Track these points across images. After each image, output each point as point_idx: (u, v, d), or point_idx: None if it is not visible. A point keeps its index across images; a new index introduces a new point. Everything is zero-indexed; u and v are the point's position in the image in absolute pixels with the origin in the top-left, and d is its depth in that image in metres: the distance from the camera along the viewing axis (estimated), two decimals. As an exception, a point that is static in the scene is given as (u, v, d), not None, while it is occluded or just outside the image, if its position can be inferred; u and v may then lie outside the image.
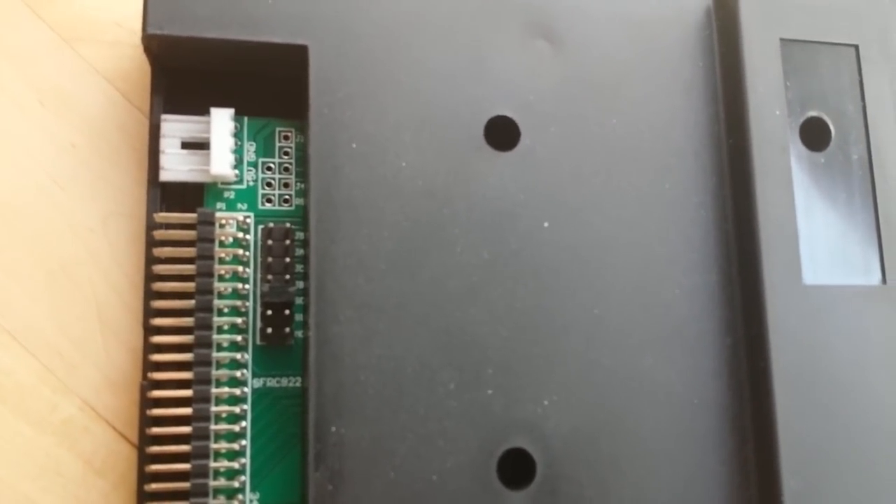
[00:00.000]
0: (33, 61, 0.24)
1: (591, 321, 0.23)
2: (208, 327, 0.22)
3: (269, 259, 0.23)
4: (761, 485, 0.23)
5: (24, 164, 0.24)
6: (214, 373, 0.22)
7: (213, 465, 0.22)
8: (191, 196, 0.23)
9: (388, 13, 0.23)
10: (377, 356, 0.22)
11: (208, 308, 0.22)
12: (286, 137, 0.24)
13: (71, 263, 0.23)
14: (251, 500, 0.22)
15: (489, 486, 0.21)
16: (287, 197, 0.24)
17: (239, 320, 0.22)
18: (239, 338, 0.22)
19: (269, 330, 0.22)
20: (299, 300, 0.23)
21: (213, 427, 0.22)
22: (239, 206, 0.23)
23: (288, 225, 0.23)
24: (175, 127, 0.23)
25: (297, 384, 0.23)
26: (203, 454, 0.21)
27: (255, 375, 0.23)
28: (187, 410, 0.22)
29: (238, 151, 0.24)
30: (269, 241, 0.23)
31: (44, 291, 0.23)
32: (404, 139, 0.23)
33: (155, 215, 0.22)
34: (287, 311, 0.23)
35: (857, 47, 0.26)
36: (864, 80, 0.26)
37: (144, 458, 0.22)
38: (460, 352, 0.22)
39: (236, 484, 0.22)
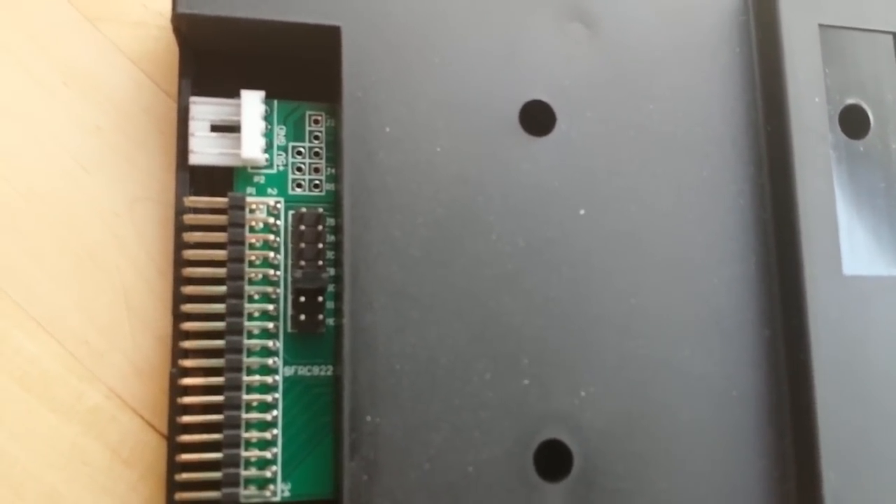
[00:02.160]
0: (57, 41, 0.24)
1: (627, 311, 0.23)
2: (239, 314, 0.21)
3: (302, 245, 0.22)
4: (800, 478, 0.22)
5: (49, 147, 0.23)
6: (245, 360, 0.22)
7: (244, 454, 0.21)
8: (219, 181, 0.23)
9: (422, -5, 0.23)
10: (412, 345, 0.21)
11: (240, 294, 0.22)
12: (316, 121, 0.24)
13: (97, 249, 0.23)
14: (282, 490, 0.22)
15: (525, 477, 0.21)
16: (317, 182, 0.23)
17: (270, 307, 0.22)
18: (270, 325, 0.22)
19: (302, 317, 0.22)
20: (332, 288, 0.23)
21: (244, 416, 0.21)
22: (269, 190, 0.23)
23: (320, 210, 0.23)
24: (204, 109, 0.23)
25: (329, 373, 0.22)
26: (235, 443, 0.21)
27: (286, 363, 0.22)
28: (218, 398, 0.21)
29: (268, 135, 0.23)
30: (301, 227, 0.22)
31: (70, 278, 0.23)
32: (438, 124, 0.22)
33: (185, 199, 0.22)
34: (320, 298, 0.22)
35: (895, 35, 0.25)
36: (903, 68, 0.25)
37: (174, 448, 0.21)
38: (495, 341, 0.22)
39: (268, 474, 0.21)
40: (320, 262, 0.22)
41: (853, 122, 0.24)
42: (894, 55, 0.25)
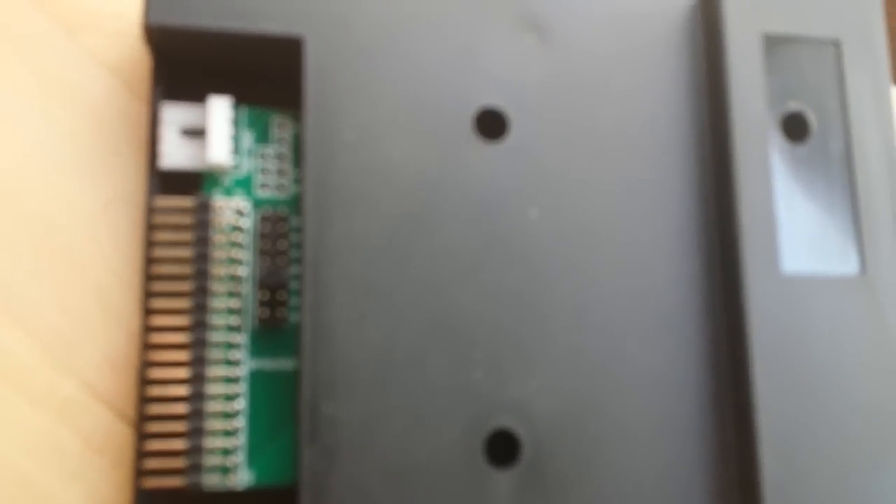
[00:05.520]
0: (35, 51, 0.25)
1: (577, 307, 0.24)
2: (205, 309, 0.23)
3: (266, 243, 0.23)
4: (741, 465, 0.23)
5: (27, 151, 0.24)
6: (211, 353, 0.23)
7: (208, 443, 0.22)
8: (189, 183, 0.24)
9: (381, 6, 0.24)
10: (369, 338, 0.22)
11: (205, 291, 0.23)
12: (283, 127, 0.25)
13: (73, 248, 0.24)
14: (246, 478, 0.23)
15: (476, 464, 0.22)
16: (283, 184, 0.24)
17: (235, 304, 0.23)
18: (235, 320, 0.23)
19: (266, 313, 0.23)
20: (295, 285, 0.24)
21: (208, 407, 0.22)
22: (236, 192, 0.24)
23: (284, 211, 0.24)
24: (174, 114, 0.24)
25: (293, 367, 0.24)
26: (199, 432, 0.22)
27: (250, 357, 0.23)
28: (184, 390, 0.22)
29: (235, 139, 0.24)
30: (266, 226, 0.23)
31: (46, 275, 0.24)
32: (396, 129, 0.24)
33: (154, 199, 0.23)
34: (282, 295, 0.23)
35: (838, 42, 0.27)
36: (846, 75, 0.26)
37: (142, 437, 0.22)
38: (450, 335, 0.23)
39: (231, 462, 0.22)
40: (283, 260, 0.23)
41: (795, 127, 0.26)
42: (837, 62, 0.26)
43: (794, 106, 0.26)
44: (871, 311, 0.25)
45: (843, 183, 0.26)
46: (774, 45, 0.26)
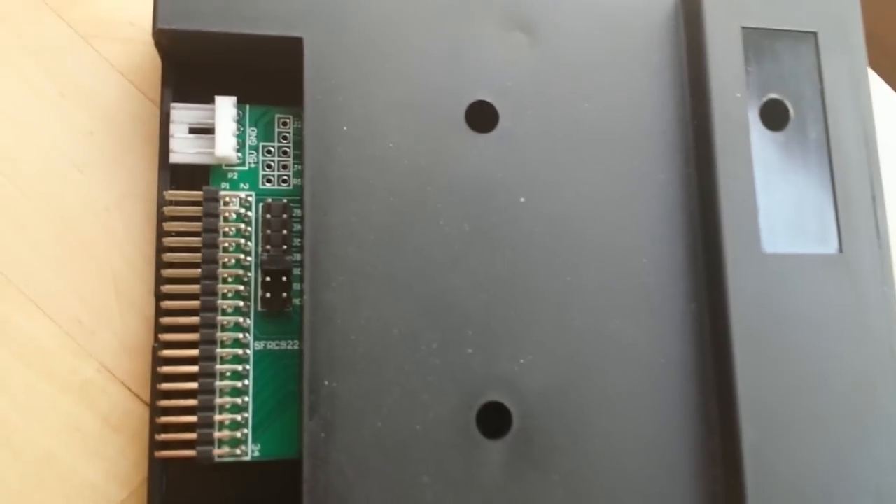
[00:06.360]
0: (55, 57, 0.27)
1: (564, 287, 0.25)
2: (213, 293, 0.24)
3: (268, 231, 0.25)
4: (723, 435, 0.24)
5: (47, 150, 0.26)
6: (219, 335, 0.24)
7: (217, 417, 0.24)
8: (198, 177, 0.26)
9: (376, 7, 0.26)
10: (366, 318, 0.24)
11: (214, 276, 0.24)
12: (285, 123, 0.26)
13: (90, 240, 0.26)
14: (252, 451, 0.24)
15: (469, 435, 0.23)
16: (285, 177, 0.26)
17: (241, 288, 0.25)
18: (241, 303, 0.25)
19: (268, 295, 0.25)
20: (297, 271, 0.25)
21: (217, 383, 0.24)
22: (241, 185, 0.26)
23: (286, 201, 0.25)
24: (183, 114, 0.25)
25: (295, 347, 0.25)
26: (209, 407, 0.23)
27: (256, 338, 0.25)
28: (195, 368, 0.24)
29: (241, 136, 0.26)
30: (268, 215, 0.25)
31: (65, 265, 0.25)
32: (391, 122, 0.25)
33: (165, 193, 0.25)
34: (284, 279, 0.25)
35: (815, 34, 0.28)
36: (823, 65, 0.27)
37: (156, 412, 0.24)
38: (443, 315, 0.24)
39: (239, 435, 0.24)
40: (285, 247, 0.25)
41: (774, 115, 0.27)
42: (814, 53, 0.28)
43: (773, 95, 0.27)
44: (849, 287, 0.26)
45: (821, 167, 0.27)
46: (753, 37, 0.27)
